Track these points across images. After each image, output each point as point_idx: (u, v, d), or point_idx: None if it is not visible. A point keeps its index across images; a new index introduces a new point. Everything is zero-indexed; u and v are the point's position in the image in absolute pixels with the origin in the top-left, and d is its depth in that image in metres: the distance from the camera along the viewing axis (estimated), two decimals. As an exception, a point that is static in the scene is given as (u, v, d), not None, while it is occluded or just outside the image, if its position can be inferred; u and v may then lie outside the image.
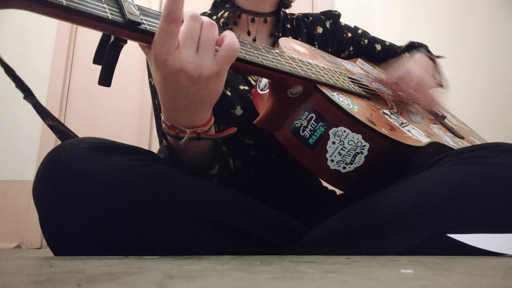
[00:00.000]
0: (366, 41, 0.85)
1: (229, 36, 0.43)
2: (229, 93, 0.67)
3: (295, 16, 0.83)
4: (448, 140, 0.68)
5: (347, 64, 0.77)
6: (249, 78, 0.69)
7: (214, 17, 0.76)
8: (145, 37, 0.41)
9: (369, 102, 0.60)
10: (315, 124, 0.52)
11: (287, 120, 0.56)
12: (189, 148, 0.51)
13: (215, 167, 0.57)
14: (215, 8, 0.79)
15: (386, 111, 0.61)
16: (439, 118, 0.77)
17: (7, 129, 1.92)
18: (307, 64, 0.58)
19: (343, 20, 0.86)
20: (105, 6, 0.38)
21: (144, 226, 0.45)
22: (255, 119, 0.58)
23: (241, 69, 0.49)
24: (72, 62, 2.00)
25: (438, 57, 0.88)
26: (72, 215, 0.44)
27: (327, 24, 0.82)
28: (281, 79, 0.53)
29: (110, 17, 0.37)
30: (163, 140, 0.53)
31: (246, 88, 0.68)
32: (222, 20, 0.73)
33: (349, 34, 0.84)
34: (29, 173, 1.83)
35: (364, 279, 0.21)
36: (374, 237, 0.47)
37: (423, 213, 0.46)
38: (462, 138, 0.76)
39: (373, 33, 0.90)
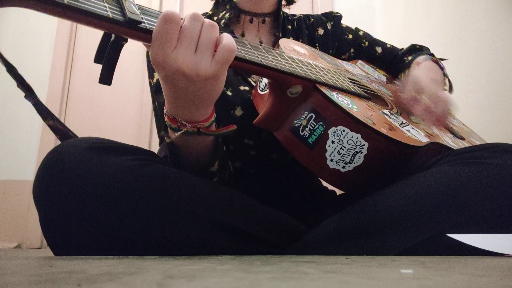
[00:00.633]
0: (366, 43, 0.86)
1: (226, 38, 0.43)
2: (229, 93, 0.67)
3: (296, 17, 0.83)
4: (448, 140, 0.68)
5: (347, 65, 0.77)
6: (249, 79, 0.70)
7: (215, 18, 0.76)
8: (145, 36, 0.41)
9: (369, 102, 0.60)
10: (315, 124, 0.53)
11: (286, 120, 0.56)
12: (190, 144, 0.52)
13: (215, 164, 0.57)
14: (217, 8, 0.79)
15: (386, 111, 0.61)
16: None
17: (7, 129, 1.92)
18: (306, 64, 0.58)
19: (343, 20, 0.87)
20: (106, 4, 0.38)
21: (144, 226, 0.45)
22: (255, 119, 0.58)
23: (241, 68, 0.49)
24: (72, 62, 2.00)
25: (441, 59, 0.88)
26: (72, 215, 0.44)
27: (328, 26, 0.83)
28: (281, 79, 0.53)
29: (110, 16, 0.37)
30: (164, 138, 0.54)
31: (247, 88, 0.68)
32: (223, 21, 0.73)
33: (350, 36, 0.84)
34: (29, 173, 1.83)
35: (364, 279, 0.21)
36: (374, 237, 0.47)
37: (423, 213, 0.46)
38: (463, 139, 0.76)
39: (373, 33, 0.91)
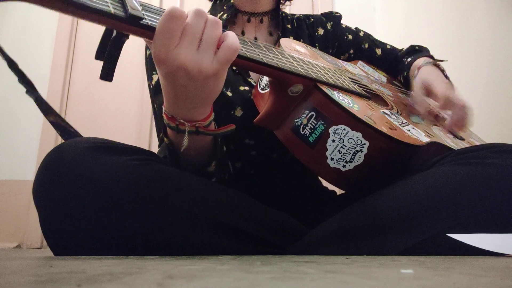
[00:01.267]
0: (366, 44, 0.86)
1: (230, 36, 0.43)
2: (229, 94, 0.67)
3: (296, 17, 0.83)
4: (448, 141, 0.68)
5: (347, 65, 0.77)
6: (249, 79, 0.69)
7: None
8: (147, 32, 0.41)
9: (369, 102, 0.60)
10: (315, 122, 0.53)
11: (287, 119, 0.56)
12: (189, 143, 0.52)
13: (212, 164, 0.57)
14: (214, 8, 0.79)
15: (386, 111, 0.61)
16: (439, 119, 0.77)
17: (7, 129, 1.92)
18: (307, 63, 0.58)
19: (343, 20, 0.86)
20: (108, 0, 0.38)
21: (144, 226, 0.45)
22: (255, 119, 0.58)
23: (241, 66, 0.49)
24: (73, 60, 1.99)
25: (440, 60, 0.88)
26: (72, 215, 0.44)
27: (328, 26, 0.82)
28: (282, 77, 0.53)
29: (112, 11, 0.37)
30: (164, 138, 0.54)
31: (247, 88, 0.68)
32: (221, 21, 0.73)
33: (350, 36, 0.84)
34: (29, 173, 1.83)
35: (364, 279, 0.21)
36: (374, 237, 0.47)
37: (423, 213, 0.46)
38: (462, 139, 0.76)
39: (373, 33, 0.90)
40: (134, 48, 1.86)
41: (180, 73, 0.41)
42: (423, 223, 0.46)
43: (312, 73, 0.54)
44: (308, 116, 0.53)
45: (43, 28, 2.00)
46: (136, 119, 1.91)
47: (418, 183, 0.50)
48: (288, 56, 0.56)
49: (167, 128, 0.51)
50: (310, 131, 0.53)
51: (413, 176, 0.52)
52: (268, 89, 0.58)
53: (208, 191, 0.51)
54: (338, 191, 0.68)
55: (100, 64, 0.42)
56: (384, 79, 0.84)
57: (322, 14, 0.86)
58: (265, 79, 0.61)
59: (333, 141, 0.52)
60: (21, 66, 0.46)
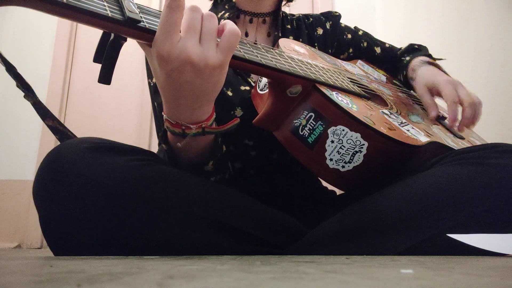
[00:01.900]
0: (365, 43, 0.86)
1: (229, 24, 0.43)
2: (230, 93, 0.67)
3: (295, 17, 0.83)
4: (448, 140, 0.68)
5: (347, 65, 0.77)
6: (249, 80, 0.70)
7: None
8: (144, 35, 0.41)
9: (368, 102, 0.60)
10: (314, 123, 0.53)
11: (286, 119, 0.56)
12: (193, 145, 0.51)
13: (209, 163, 0.57)
14: (215, 8, 0.79)
15: (385, 111, 0.61)
16: (439, 119, 0.77)
17: (7, 129, 1.92)
18: (306, 63, 0.58)
19: (343, 20, 0.86)
20: (105, 3, 0.38)
21: (144, 226, 0.45)
22: (254, 119, 0.58)
23: (240, 68, 0.49)
24: (73, 61, 2.00)
25: (439, 59, 0.88)
26: (72, 215, 0.44)
27: (327, 25, 0.82)
28: (280, 79, 0.53)
29: (109, 15, 0.37)
30: (163, 145, 0.53)
31: (247, 88, 0.68)
32: (222, 21, 0.73)
33: (349, 36, 0.84)
34: (29, 173, 1.83)
35: (364, 279, 0.21)
36: (374, 237, 0.47)
37: (423, 213, 0.46)
38: (463, 138, 0.76)
39: (373, 33, 0.91)
40: (133, 48, 1.86)
41: (186, 67, 0.41)
42: (423, 223, 0.46)
43: (311, 74, 0.54)
44: (307, 117, 0.53)
45: (43, 28, 2.00)
46: (136, 119, 1.91)
47: (418, 183, 0.50)
48: (287, 57, 0.56)
49: (167, 134, 0.51)
50: (309, 132, 0.53)
51: (413, 176, 0.52)
52: (267, 90, 0.58)
53: (208, 191, 0.51)
54: (338, 191, 0.68)
55: (99, 64, 0.42)
56: (384, 78, 0.84)
57: (321, 14, 0.86)
58: (264, 79, 0.61)
59: (332, 141, 0.52)
60: (21, 67, 0.46)
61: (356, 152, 0.51)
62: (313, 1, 1.96)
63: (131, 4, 0.40)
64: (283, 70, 0.51)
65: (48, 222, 0.45)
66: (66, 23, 1.98)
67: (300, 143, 0.54)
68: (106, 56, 0.41)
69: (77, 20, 0.37)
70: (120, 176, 0.45)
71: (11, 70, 0.44)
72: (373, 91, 0.70)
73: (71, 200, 0.44)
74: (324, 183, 0.75)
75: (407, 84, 0.85)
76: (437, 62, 0.85)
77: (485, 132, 0.92)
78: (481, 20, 1.65)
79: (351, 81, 0.65)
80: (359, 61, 0.84)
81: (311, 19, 0.83)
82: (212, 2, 0.82)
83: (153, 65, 0.44)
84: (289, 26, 0.80)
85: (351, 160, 0.52)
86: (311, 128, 0.53)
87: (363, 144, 0.51)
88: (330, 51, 0.81)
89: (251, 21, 0.76)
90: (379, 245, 0.46)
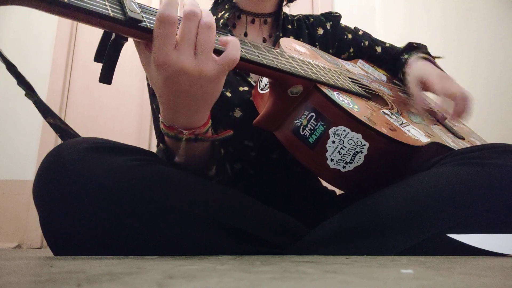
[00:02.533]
0: (366, 43, 0.86)
1: (232, 44, 0.43)
2: (229, 94, 0.67)
3: (296, 17, 0.83)
4: (449, 140, 0.68)
5: (347, 64, 0.77)
6: (249, 79, 0.69)
7: (214, 17, 0.76)
8: (146, 35, 0.41)
9: (369, 102, 0.60)
10: (315, 123, 0.53)
11: (287, 120, 0.56)
12: (187, 150, 0.51)
13: (213, 168, 0.57)
14: (216, 8, 0.79)
15: (386, 111, 0.61)
16: (440, 119, 0.77)
17: (7, 129, 1.92)
18: (307, 63, 0.58)
19: (343, 21, 0.87)
20: (106, 3, 0.38)
21: (144, 226, 0.45)
22: (255, 120, 0.58)
23: (241, 67, 0.49)
24: (73, 61, 2.00)
25: (438, 57, 0.88)
26: (72, 215, 0.44)
27: (328, 26, 0.83)
28: (281, 78, 0.53)
29: (111, 14, 0.37)
30: (160, 145, 0.53)
31: (246, 89, 0.68)
32: (221, 21, 0.73)
33: (349, 36, 0.84)
34: (29, 173, 1.83)
35: (364, 279, 0.21)
36: (374, 237, 0.47)
37: (423, 213, 0.46)
38: (463, 139, 0.76)
39: (373, 33, 0.90)
40: (134, 48, 1.86)
41: (181, 77, 0.41)
42: (423, 223, 0.46)
43: (312, 74, 0.54)
44: (308, 117, 0.53)
45: (43, 28, 2.00)
46: (136, 119, 1.91)
47: (418, 183, 0.50)
48: (288, 57, 0.56)
49: (164, 136, 0.51)
50: (310, 132, 0.53)
51: (413, 176, 0.52)
52: (268, 90, 0.58)
53: (208, 191, 0.51)
54: (338, 191, 0.68)
55: (100, 64, 0.42)
56: (384, 78, 0.84)
57: (322, 14, 0.86)
58: (265, 79, 0.61)
59: (333, 142, 0.52)
60: (21, 66, 0.46)
61: (357, 152, 0.51)
62: (313, 1, 1.96)
63: (132, 3, 0.40)
64: (284, 70, 0.51)
65: (48, 222, 0.45)
66: (66, 22, 1.98)
67: (301, 143, 0.54)
68: (107, 55, 0.41)
69: (78, 20, 0.37)
70: (120, 176, 0.45)
71: (11, 69, 0.44)
72: (374, 91, 0.70)
73: (71, 200, 0.44)
74: (324, 183, 0.75)
75: (405, 82, 0.85)
76: (436, 60, 0.85)
77: (485, 132, 0.93)
78: (481, 20, 1.65)
79: (352, 81, 0.65)
80: (360, 61, 0.84)
81: (312, 19, 0.83)
82: (212, 1, 0.82)
83: (151, 70, 0.43)
84: (290, 26, 0.80)
85: (352, 161, 0.52)
86: (312, 128, 0.53)
87: (364, 145, 0.51)
88: (331, 51, 0.81)
89: (253, 22, 0.76)
90: (379, 245, 0.46)
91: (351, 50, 0.84)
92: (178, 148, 0.50)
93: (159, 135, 0.52)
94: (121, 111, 1.92)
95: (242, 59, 0.46)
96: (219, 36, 0.45)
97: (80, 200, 0.44)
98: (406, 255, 0.45)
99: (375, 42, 0.87)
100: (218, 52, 0.43)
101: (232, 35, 0.71)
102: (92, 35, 1.96)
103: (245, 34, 0.75)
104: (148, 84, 0.73)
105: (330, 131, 0.52)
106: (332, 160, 0.52)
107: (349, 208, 0.52)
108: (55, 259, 0.39)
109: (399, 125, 0.58)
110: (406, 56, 0.85)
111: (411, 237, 0.46)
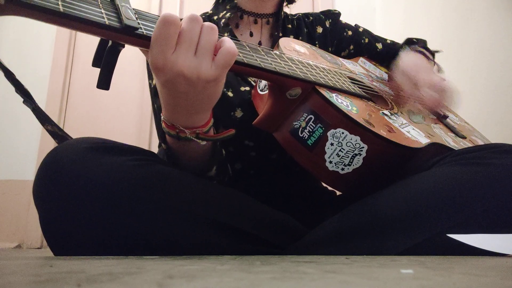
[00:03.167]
0: (366, 39, 0.85)
1: (227, 42, 0.43)
2: (230, 94, 0.67)
3: (295, 16, 0.83)
4: (449, 140, 0.68)
5: (348, 63, 0.77)
6: (249, 79, 0.70)
7: (215, 17, 0.76)
8: (142, 42, 0.40)
9: (369, 103, 0.60)
10: (314, 126, 0.53)
11: (286, 121, 0.56)
12: (188, 149, 0.51)
13: (213, 169, 0.57)
14: (216, 8, 0.79)
15: (386, 112, 0.61)
16: (441, 118, 0.77)
17: (7, 129, 1.92)
18: (306, 65, 0.58)
19: (343, 20, 0.86)
20: (102, 11, 0.38)
21: (144, 226, 0.45)
22: (254, 121, 0.58)
23: (239, 71, 0.49)
24: (73, 62, 2.00)
25: (436, 51, 0.87)
26: (72, 215, 0.44)
27: (327, 24, 0.82)
28: (280, 81, 0.53)
29: (107, 23, 0.37)
30: (162, 144, 0.54)
31: (247, 89, 0.68)
32: (223, 20, 0.73)
33: (350, 33, 0.84)
34: (29, 173, 1.83)
35: (364, 279, 0.21)
36: (374, 237, 0.47)
37: (423, 213, 0.46)
38: (464, 138, 0.76)
39: (373, 32, 0.90)
40: (134, 49, 1.86)
41: (179, 79, 0.41)
42: (423, 223, 0.46)
43: (310, 76, 0.54)
44: (306, 119, 0.53)
45: (43, 29, 2.00)
46: (136, 120, 1.91)
47: (418, 184, 0.50)
48: (286, 59, 0.55)
49: (165, 135, 0.51)
50: (308, 134, 0.53)
51: (413, 177, 0.52)
52: (267, 91, 0.58)
53: (208, 191, 0.51)
54: (338, 191, 0.68)
55: (99, 68, 0.42)
56: (386, 76, 0.84)
57: (321, 12, 0.85)
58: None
59: (332, 144, 0.52)
60: (21, 67, 0.46)
61: (356, 155, 0.51)
62: (314, 2, 1.96)
63: (128, 10, 0.39)
64: (282, 73, 0.51)
65: (48, 222, 0.45)
66: (66, 23, 1.98)
67: (300, 145, 0.54)
68: (104, 61, 0.41)
69: (74, 29, 0.37)
70: (120, 176, 0.45)
71: (9, 76, 0.44)
72: (374, 90, 0.70)
73: (71, 200, 0.44)
74: (324, 184, 0.75)
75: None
76: (435, 54, 0.85)
77: (485, 132, 0.92)
78: (481, 20, 1.65)
79: (351, 81, 0.65)
80: (361, 59, 0.84)
81: (311, 18, 0.83)
82: (213, 2, 0.82)
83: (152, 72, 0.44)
84: (289, 26, 0.80)
85: (350, 163, 0.52)
86: (310, 130, 0.53)
87: (363, 147, 0.51)
88: (330, 49, 0.81)
89: (256, 22, 0.76)
90: (379, 245, 0.46)
91: (351, 47, 0.84)
92: (179, 147, 0.50)
93: (161, 135, 0.52)
94: (121, 111, 1.92)
95: (240, 63, 0.46)
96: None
97: (80, 200, 0.44)
98: (406, 255, 0.45)
99: (375, 39, 0.87)
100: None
101: (233, 34, 0.71)
102: (92, 37, 1.95)
103: (251, 34, 0.75)
104: (150, 85, 0.73)
105: (329, 133, 0.52)
106: (330, 162, 0.52)
107: (349, 208, 0.52)
108: (55, 259, 0.39)
109: (399, 126, 0.58)
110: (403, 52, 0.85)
111: (411, 237, 0.46)
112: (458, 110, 0.91)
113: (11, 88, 0.46)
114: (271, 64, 0.50)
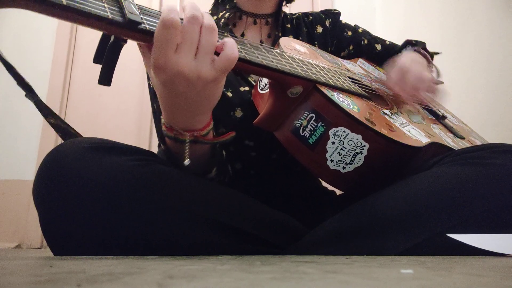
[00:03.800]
0: (366, 40, 0.85)
1: (229, 46, 0.43)
2: (230, 94, 0.67)
3: (295, 16, 0.83)
4: (449, 140, 0.68)
5: (347, 64, 0.77)
6: (249, 79, 0.69)
7: (215, 17, 0.76)
8: (145, 37, 0.40)
9: (369, 102, 0.60)
10: (315, 124, 0.52)
11: (287, 120, 0.56)
12: (187, 152, 0.51)
13: (213, 170, 0.57)
14: (216, 8, 0.79)
15: (386, 111, 0.61)
16: (439, 118, 0.77)
17: (7, 128, 1.92)
18: (307, 64, 0.58)
19: (343, 20, 0.86)
20: (105, 5, 0.38)
21: (144, 226, 0.45)
22: (255, 120, 0.58)
23: (241, 68, 0.49)
24: (73, 59, 1.99)
25: (436, 53, 0.87)
26: (72, 215, 0.44)
27: (327, 23, 0.82)
28: (281, 79, 0.53)
29: (110, 17, 0.37)
30: (161, 145, 0.53)
31: (247, 89, 0.68)
32: (222, 20, 0.73)
33: (349, 33, 0.84)
34: (29, 173, 1.83)
35: (364, 279, 0.21)
36: (374, 237, 0.47)
37: (423, 213, 0.46)
38: (463, 138, 0.76)
39: (373, 33, 0.90)
40: (134, 47, 1.86)
41: (179, 79, 0.41)
42: (423, 223, 0.46)
43: (311, 75, 0.54)
44: (308, 118, 0.53)
45: (44, 25, 2.00)
46: (136, 119, 1.91)
47: (418, 183, 0.50)
48: (287, 57, 0.55)
49: (165, 137, 0.51)
50: (310, 132, 0.53)
51: (413, 176, 0.52)
52: (268, 90, 0.58)
53: (208, 191, 0.51)
54: (338, 191, 0.68)
55: (100, 65, 0.42)
56: (384, 77, 0.84)
57: (321, 12, 0.85)
58: (265, 79, 0.61)
59: (333, 143, 0.52)
60: (22, 65, 0.46)
61: (357, 153, 0.51)
62: (313, 2, 1.96)
63: (131, 5, 0.40)
64: (284, 71, 0.51)
65: (48, 222, 0.45)
66: (66, 22, 1.98)
67: (301, 144, 0.54)
68: (106, 57, 0.41)
69: (77, 22, 0.37)
70: (120, 176, 0.45)
71: (11, 70, 0.44)
72: (374, 91, 0.70)
73: (71, 200, 0.44)
74: (324, 183, 0.75)
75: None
76: (434, 56, 0.85)
77: (485, 132, 0.93)
78: (480, 21, 1.65)
79: (352, 81, 0.65)
80: (360, 60, 0.84)
81: (311, 17, 0.83)
82: (213, 2, 0.82)
83: (150, 72, 0.43)
84: (289, 26, 0.80)
85: (352, 162, 0.52)
86: (312, 129, 0.53)
87: (364, 146, 0.51)
88: (329, 49, 0.81)
89: (255, 23, 0.76)
90: (379, 245, 0.46)
91: (351, 47, 0.84)
92: (178, 149, 0.50)
93: (161, 136, 0.52)
94: (121, 110, 1.92)
95: (242, 60, 0.46)
96: (220, 38, 0.45)
97: (80, 200, 0.44)
98: (406, 255, 0.45)
99: (375, 39, 0.87)
100: (216, 55, 0.43)
101: (233, 34, 0.71)
102: (93, 31, 1.95)
103: (242, 35, 0.75)
104: (149, 85, 0.73)
105: (330, 132, 0.52)
106: (332, 161, 0.52)
107: (349, 208, 0.52)
108: (55, 259, 0.39)
109: (399, 125, 0.58)
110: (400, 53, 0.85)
111: (411, 237, 0.46)
112: (457, 110, 0.91)
113: (11, 88, 0.46)
114: (273, 61, 0.50)
